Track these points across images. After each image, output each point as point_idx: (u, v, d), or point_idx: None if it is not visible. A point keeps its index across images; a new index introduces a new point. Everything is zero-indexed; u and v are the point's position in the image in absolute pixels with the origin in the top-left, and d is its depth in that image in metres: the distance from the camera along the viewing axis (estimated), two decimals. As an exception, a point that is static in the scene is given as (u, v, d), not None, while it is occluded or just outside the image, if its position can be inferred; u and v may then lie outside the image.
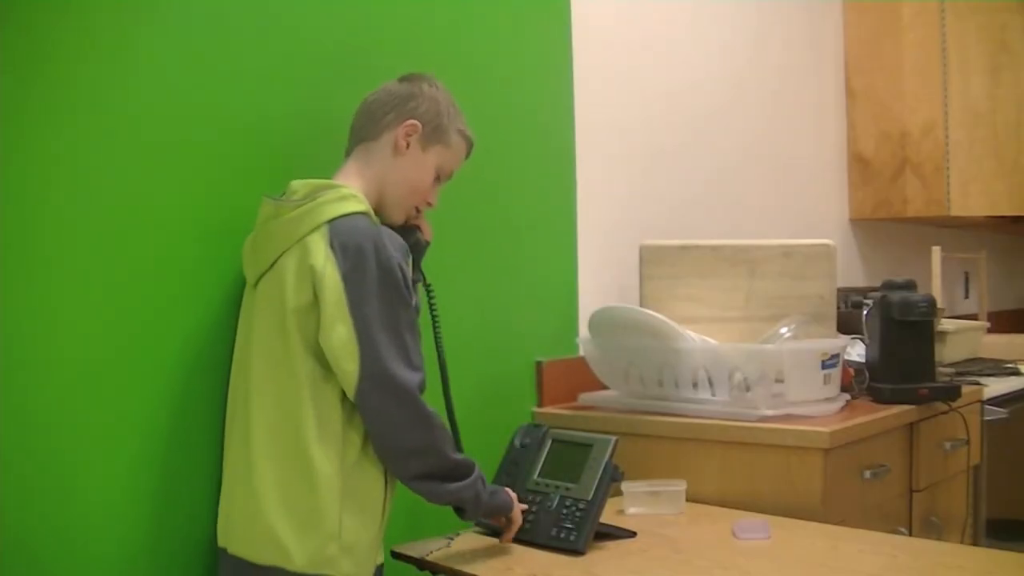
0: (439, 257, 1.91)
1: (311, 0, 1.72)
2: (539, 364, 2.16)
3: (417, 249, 1.61)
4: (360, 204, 1.46)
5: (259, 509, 1.40)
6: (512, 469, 1.70)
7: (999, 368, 2.70)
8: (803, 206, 3.15)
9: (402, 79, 1.61)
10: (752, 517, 1.69)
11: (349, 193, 1.46)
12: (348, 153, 1.60)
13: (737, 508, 1.79)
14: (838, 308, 2.24)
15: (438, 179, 1.62)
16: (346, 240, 1.41)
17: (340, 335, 1.38)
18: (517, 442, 1.73)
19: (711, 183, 2.72)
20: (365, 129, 1.57)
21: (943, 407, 2.10)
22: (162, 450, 1.50)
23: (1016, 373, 2.67)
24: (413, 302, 1.46)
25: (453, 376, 1.63)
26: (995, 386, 2.47)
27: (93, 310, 1.42)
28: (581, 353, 2.18)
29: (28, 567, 1.34)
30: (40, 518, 1.36)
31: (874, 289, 2.22)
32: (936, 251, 3.15)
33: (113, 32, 1.44)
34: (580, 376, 2.16)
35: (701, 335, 2.05)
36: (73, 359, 1.40)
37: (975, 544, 2.33)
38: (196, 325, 1.54)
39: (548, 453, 1.68)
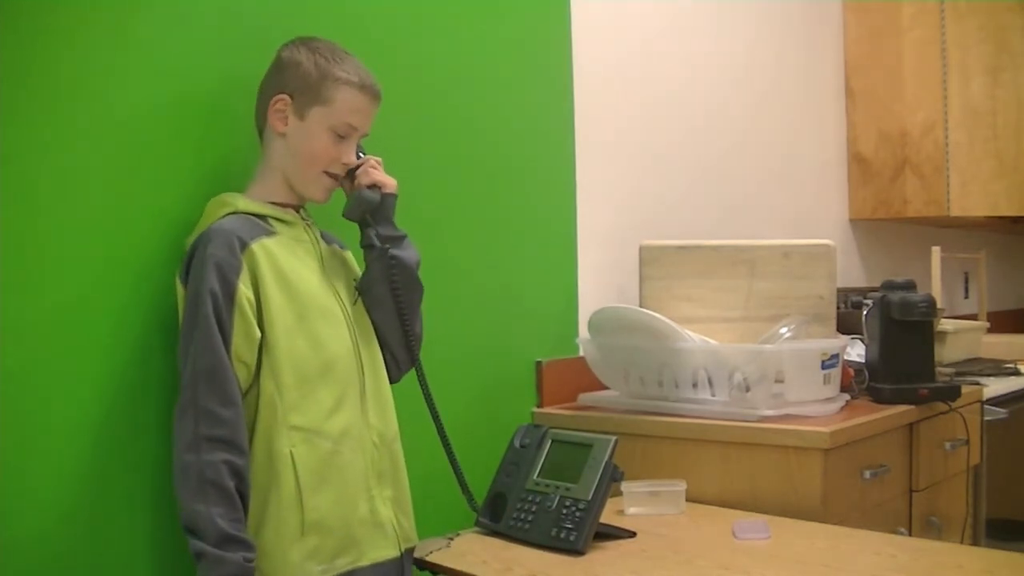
0: (439, 257, 1.91)
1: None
2: (539, 364, 2.16)
3: (376, 208, 1.54)
4: (223, 207, 1.43)
5: None
6: (512, 469, 1.69)
7: (999, 368, 2.70)
8: (803, 206, 3.15)
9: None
10: (752, 517, 1.69)
11: (218, 201, 1.45)
12: None
13: (737, 508, 1.79)
14: (838, 308, 2.24)
15: (343, 137, 1.50)
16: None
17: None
18: (517, 442, 1.73)
19: (711, 183, 2.72)
20: (257, 120, 1.54)
21: (943, 407, 2.10)
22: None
23: (1016, 373, 2.67)
24: (216, 309, 1.35)
25: (453, 377, 1.62)
26: (995, 386, 2.47)
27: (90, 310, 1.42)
28: (581, 353, 2.18)
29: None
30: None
31: (874, 289, 2.22)
32: (936, 251, 3.15)
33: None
34: (580, 376, 2.16)
35: (701, 335, 2.05)
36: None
37: (975, 544, 2.33)
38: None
39: (548, 453, 1.68)
